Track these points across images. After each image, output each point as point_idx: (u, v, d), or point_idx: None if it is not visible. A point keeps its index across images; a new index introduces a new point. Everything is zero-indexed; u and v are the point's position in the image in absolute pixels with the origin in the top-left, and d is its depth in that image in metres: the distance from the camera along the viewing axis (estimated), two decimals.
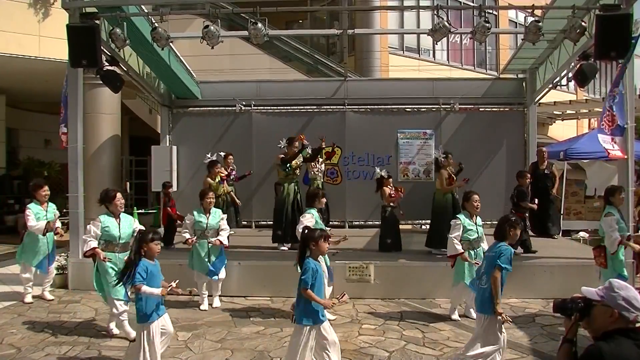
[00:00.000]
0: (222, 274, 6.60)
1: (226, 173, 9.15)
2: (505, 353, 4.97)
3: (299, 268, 4.21)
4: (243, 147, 10.99)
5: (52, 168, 13.88)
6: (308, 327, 4.01)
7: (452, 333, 5.58)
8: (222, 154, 9.76)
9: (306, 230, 4.31)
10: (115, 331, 5.48)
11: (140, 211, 13.67)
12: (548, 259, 7.55)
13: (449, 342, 5.29)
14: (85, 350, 5.05)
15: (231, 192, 9.28)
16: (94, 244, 5.35)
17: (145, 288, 4.13)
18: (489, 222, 10.63)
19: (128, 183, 15.67)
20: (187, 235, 6.38)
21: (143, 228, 5.71)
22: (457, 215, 6.00)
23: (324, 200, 6.26)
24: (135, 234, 5.24)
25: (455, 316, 6.05)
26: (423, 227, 11.35)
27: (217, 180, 8.72)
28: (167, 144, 11.48)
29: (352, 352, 4.97)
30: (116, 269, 5.23)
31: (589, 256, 7.90)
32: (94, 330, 5.68)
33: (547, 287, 6.88)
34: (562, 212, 9.42)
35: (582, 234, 11.26)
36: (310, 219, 5.84)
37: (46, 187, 6.84)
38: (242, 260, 7.31)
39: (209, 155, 9.18)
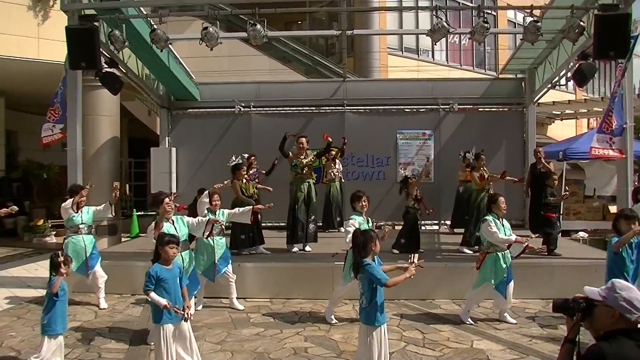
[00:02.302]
0: (231, 272, 6.54)
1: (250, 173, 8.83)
2: (505, 353, 4.98)
3: (351, 273, 4.28)
4: (242, 149, 10.95)
5: (51, 170, 13.88)
6: (384, 327, 4.05)
7: (451, 334, 5.57)
8: (246, 155, 9.49)
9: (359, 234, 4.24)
10: None
11: (139, 213, 13.69)
12: (548, 259, 7.55)
13: (448, 343, 5.28)
14: (85, 353, 5.04)
15: (259, 186, 8.95)
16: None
17: (152, 295, 4.11)
18: None
19: (127, 185, 15.66)
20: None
21: (201, 219, 5.80)
22: (486, 217, 5.91)
23: (365, 203, 5.82)
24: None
25: (469, 320, 5.92)
26: (422, 227, 11.36)
27: (243, 181, 8.46)
28: (167, 146, 11.49)
29: (352, 352, 4.95)
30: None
31: (589, 256, 7.95)
32: (93, 332, 5.67)
33: (547, 287, 6.87)
34: (562, 212, 9.44)
35: (581, 233, 11.29)
36: (353, 224, 5.57)
37: (82, 192, 6.74)
38: (242, 262, 7.31)
39: (233, 158, 8.93)
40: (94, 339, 5.45)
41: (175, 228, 5.39)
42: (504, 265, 5.77)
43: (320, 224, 9.81)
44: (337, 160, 10.27)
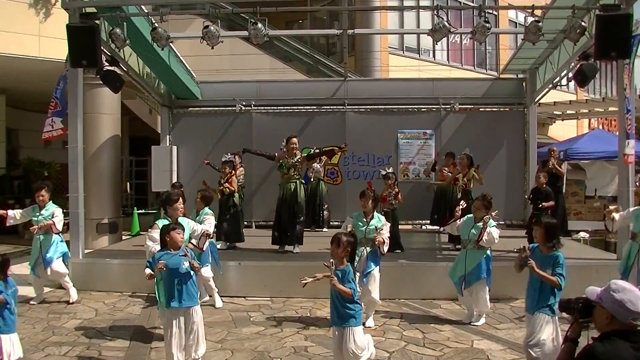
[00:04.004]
0: (208, 273, 6.49)
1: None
2: (506, 353, 4.98)
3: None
4: (243, 148, 10.99)
5: (52, 168, 13.88)
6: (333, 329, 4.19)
7: (452, 333, 5.58)
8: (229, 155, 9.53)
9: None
10: None
11: (140, 211, 13.70)
12: None
13: (449, 343, 5.28)
14: (85, 351, 5.05)
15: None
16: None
17: (146, 270, 4.43)
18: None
19: (128, 183, 15.67)
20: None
21: (203, 227, 5.69)
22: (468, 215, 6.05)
23: (366, 201, 5.67)
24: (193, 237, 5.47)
25: (475, 322, 5.89)
26: (423, 227, 11.37)
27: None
28: (167, 144, 11.49)
29: None
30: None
31: (589, 256, 7.95)
32: (94, 330, 5.67)
33: None
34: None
35: (582, 234, 11.27)
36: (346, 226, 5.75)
37: (42, 192, 6.65)
38: (242, 261, 7.31)
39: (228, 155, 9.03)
40: (94, 337, 5.46)
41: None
42: (462, 264, 5.81)
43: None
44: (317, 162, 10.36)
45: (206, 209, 6.65)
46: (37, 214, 6.69)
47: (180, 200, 5.51)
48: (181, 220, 5.44)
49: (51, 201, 6.82)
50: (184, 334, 4.42)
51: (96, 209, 10.64)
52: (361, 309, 4.23)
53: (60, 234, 6.84)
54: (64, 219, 6.98)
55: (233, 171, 8.65)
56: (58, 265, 6.75)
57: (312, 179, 10.55)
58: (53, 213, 6.71)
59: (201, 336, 4.55)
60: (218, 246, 8.21)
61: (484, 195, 5.88)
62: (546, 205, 7.92)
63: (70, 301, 6.71)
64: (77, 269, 7.46)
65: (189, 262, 4.37)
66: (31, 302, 6.66)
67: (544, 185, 8.23)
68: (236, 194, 8.66)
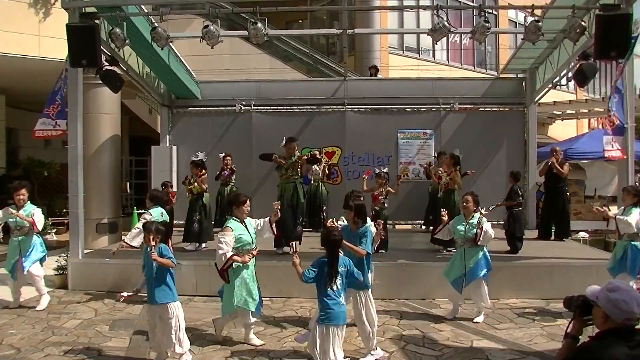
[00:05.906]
0: (37, 270, 6.54)
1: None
2: (505, 353, 4.98)
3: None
4: (243, 147, 11.00)
5: (52, 168, 13.87)
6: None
7: (451, 333, 5.58)
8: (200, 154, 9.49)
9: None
10: (257, 341, 5.23)
11: (140, 211, 13.69)
12: (548, 259, 7.54)
13: (448, 343, 5.28)
14: (85, 351, 5.05)
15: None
16: (230, 253, 4.97)
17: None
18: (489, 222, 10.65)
19: (128, 183, 15.66)
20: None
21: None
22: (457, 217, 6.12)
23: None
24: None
25: (476, 319, 5.95)
26: (423, 227, 11.35)
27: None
28: (167, 144, 11.50)
29: (352, 352, 4.97)
30: (252, 276, 5.19)
31: (589, 256, 7.96)
32: (94, 330, 5.67)
33: (547, 287, 6.87)
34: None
35: (582, 234, 11.27)
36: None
37: (21, 191, 6.46)
38: None
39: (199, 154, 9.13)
40: (94, 337, 5.46)
41: (248, 231, 5.25)
42: (461, 263, 5.81)
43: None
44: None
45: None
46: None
47: (248, 202, 5.34)
48: (246, 220, 5.34)
49: (29, 202, 6.59)
50: (161, 329, 4.46)
51: (96, 208, 10.63)
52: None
53: (39, 234, 6.66)
54: (64, 219, 6.92)
55: (204, 170, 8.67)
56: (35, 268, 6.51)
57: (311, 181, 10.55)
58: (32, 213, 6.45)
59: (178, 333, 4.52)
60: (187, 247, 8.41)
61: (472, 192, 5.97)
62: (500, 204, 8.41)
63: (38, 308, 6.42)
64: (76, 269, 7.48)
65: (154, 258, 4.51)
66: (36, 309, 6.44)
67: (512, 184, 8.51)
68: (206, 194, 8.72)
